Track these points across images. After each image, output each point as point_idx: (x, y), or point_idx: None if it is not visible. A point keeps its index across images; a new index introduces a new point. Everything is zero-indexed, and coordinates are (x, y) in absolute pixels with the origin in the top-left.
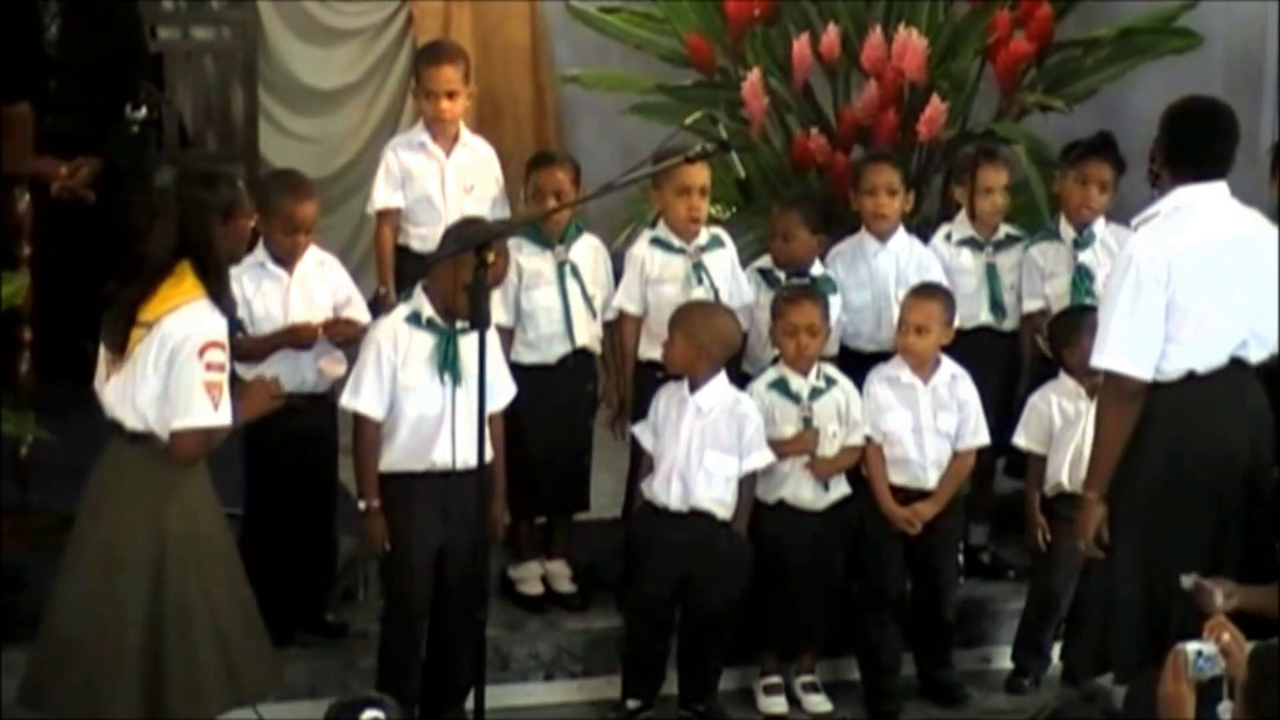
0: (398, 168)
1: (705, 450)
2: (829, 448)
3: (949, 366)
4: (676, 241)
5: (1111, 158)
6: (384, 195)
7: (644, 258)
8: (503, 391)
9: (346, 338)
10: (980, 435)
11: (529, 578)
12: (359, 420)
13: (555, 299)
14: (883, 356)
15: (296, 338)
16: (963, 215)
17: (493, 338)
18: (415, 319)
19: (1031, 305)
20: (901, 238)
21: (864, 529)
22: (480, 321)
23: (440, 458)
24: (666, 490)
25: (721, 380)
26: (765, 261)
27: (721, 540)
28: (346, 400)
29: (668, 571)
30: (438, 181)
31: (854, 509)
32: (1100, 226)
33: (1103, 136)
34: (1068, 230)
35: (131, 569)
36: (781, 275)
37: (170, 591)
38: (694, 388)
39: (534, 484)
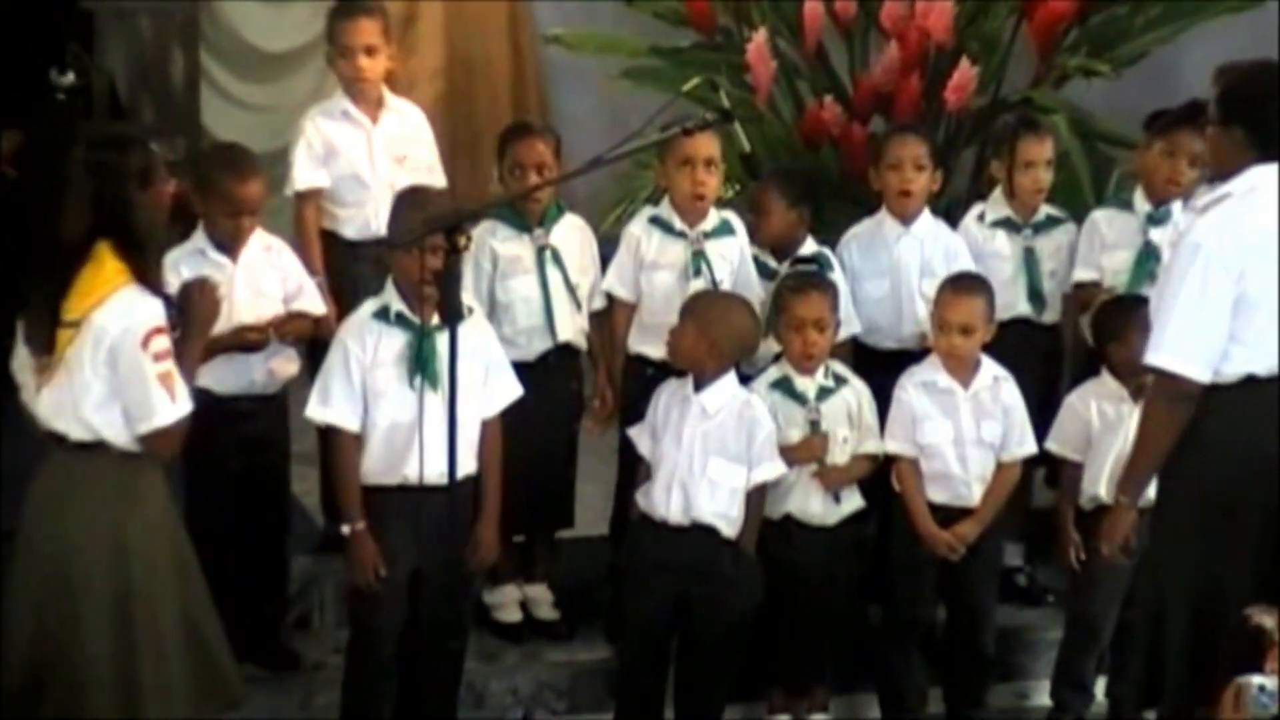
0: (319, 141)
1: (710, 457)
2: (839, 455)
3: (990, 368)
4: (678, 224)
5: (1203, 129)
6: (305, 173)
7: (640, 237)
8: (503, 390)
9: (299, 334)
10: (1027, 444)
11: (506, 603)
12: (332, 434)
13: (534, 289)
14: (904, 356)
15: (245, 341)
16: (998, 193)
17: (487, 328)
18: (384, 314)
19: (1084, 275)
20: (927, 220)
21: (885, 548)
22: (452, 315)
23: (415, 470)
24: (665, 501)
25: (730, 380)
26: (752, 247)
27: (726, 559)
28: (314, 412)
29: (664, 594)
30: (365, 154)
31: (869, 524)
32: (1177, 207)
33: (1194, 105)
34: (1142, 203)
35: (94, 591)
36: (772, 261)
37: (139, 610)
38: (699, 386)
39: (511, 498)
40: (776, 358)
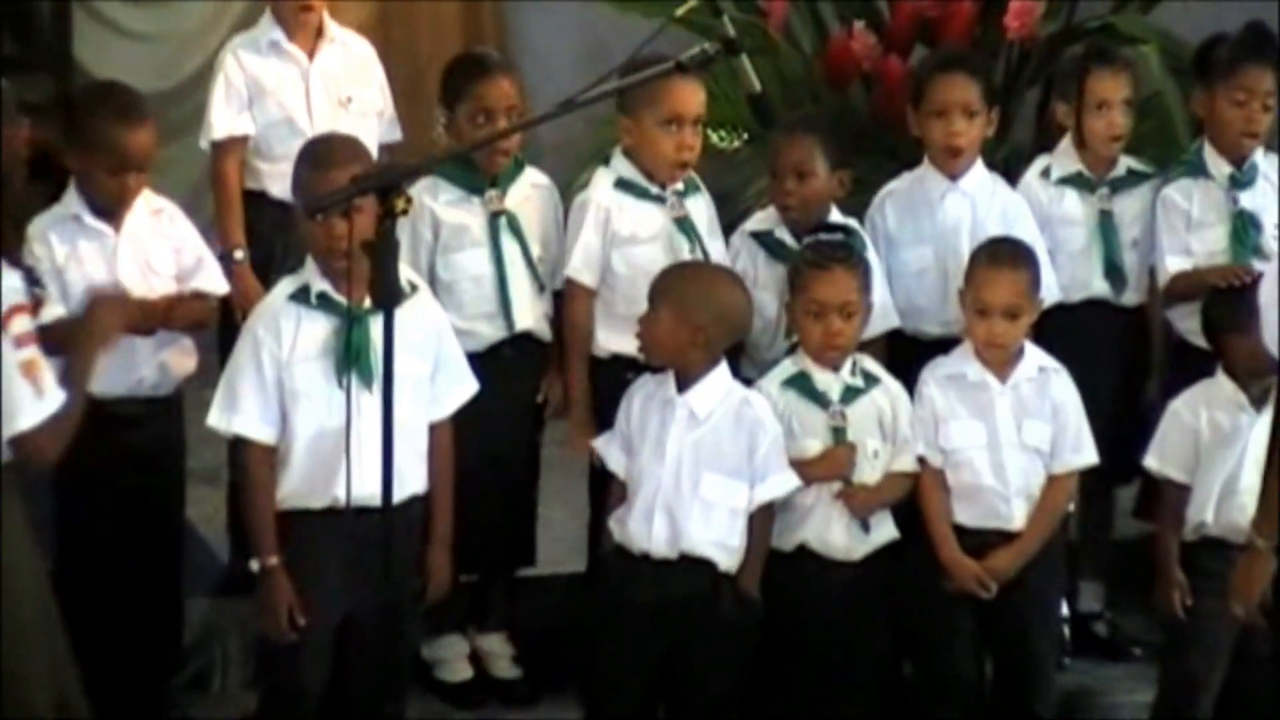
0: (241, 80)
1: (701, 472)
2: (869, 472)
3: (1036, 357)
4: (652, 185)
5: (1276, 59)
6: (225, 119)
7: (609, 207)
8: (456, 388)
9: (197, 320)
10: (1084, 452)
11: (452, 658)
12: (241, 447)
13: (486, 264)
14: (950, 345)
15: (133, 319)
16: (1067, 143)
17: (436, 311)
18: (303, 296)
19: (1174, 265)
20: (979, 175)
21: (921, 587)
22: (386, 296)
23: (346, 490)
24: (646, 529)
25: (722, 374)
26: (761, 221)
27: (725, 600)
28: (218, 420)
29: (648, 645)
30: (300, 95)
31: (905, 559)
32: (1260, 158)
33: (1258, 31)
34: (1219, 164)
35: None
36: (787, 237)
37: None
38: (684, 385)
39: (459, 527)
40: (790, 350)
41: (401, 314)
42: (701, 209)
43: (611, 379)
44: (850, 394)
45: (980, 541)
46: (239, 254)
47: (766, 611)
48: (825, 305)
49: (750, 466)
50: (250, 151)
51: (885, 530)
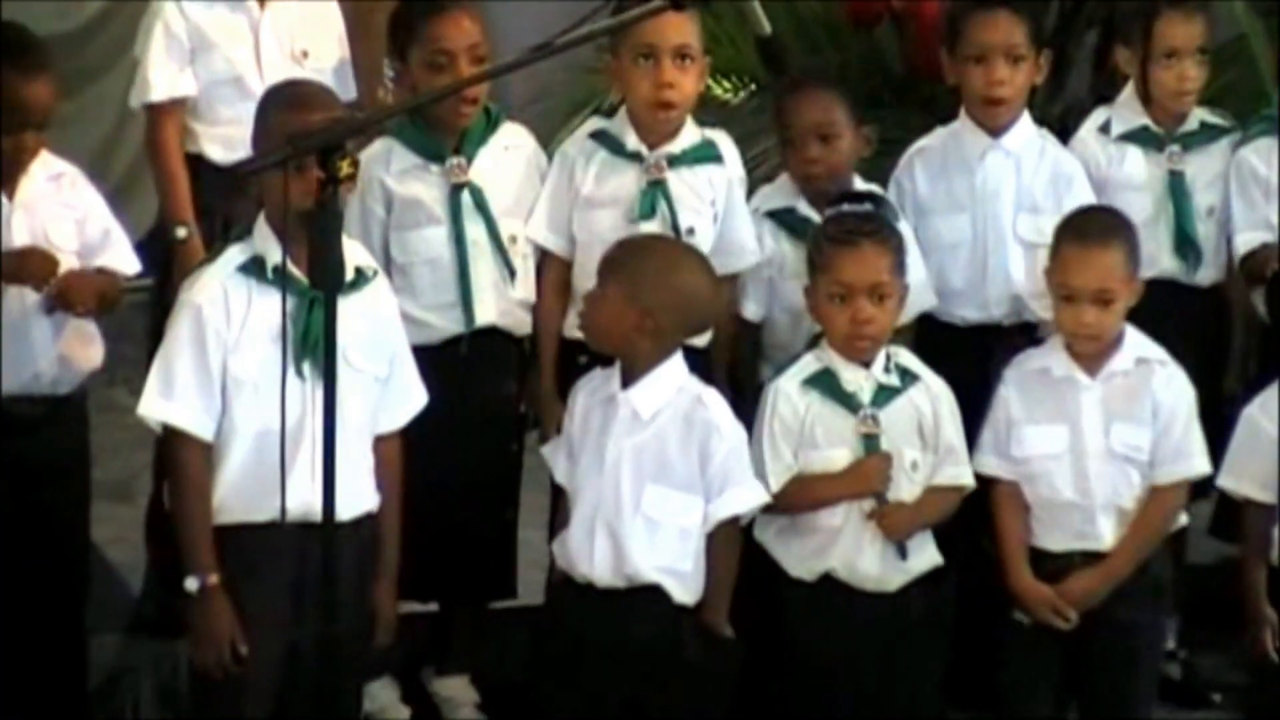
0: (184, 30)
1: (645, 484)
2: (906, 486)
3: (1136, 345)
4: (631, 142)
5: None
6: (165, 77)
7: (576, 159)
8: (409, 397)
9: (104, 301)
10: (1193, 459)
11: (387, 706)
12: (174, 441)
13: (444, 246)
14: (990, 333)
15: (25, 269)
16: (1130, 93)
17: (392, 303)
18: (255, 269)
19: (1250, 238)
20: (1025, 131)
21: (979, 621)
22: (327, 277)
23: (300, 501)
24: (587, 552)
25: (674, 369)
26: (775, 197)
27: (687, 638)
28: (152, 407)
29: (604, 692)
30: (249, 49)
31: (948, 589)
32: None
33: None
34: None
35: None
36: (812, 212)
37: None
38: (629, 380)
39: (419, 553)
40: (812, 342)
41: (357, 302)
42: (715, 181)
43: (568, 366)
44: (884, 395)
45: (1064, 566)
46: (181, 231)
47: (785, 653)
48: (853, 287)
49: (705, 477)
50: (191, 113)
51: (926, 555)
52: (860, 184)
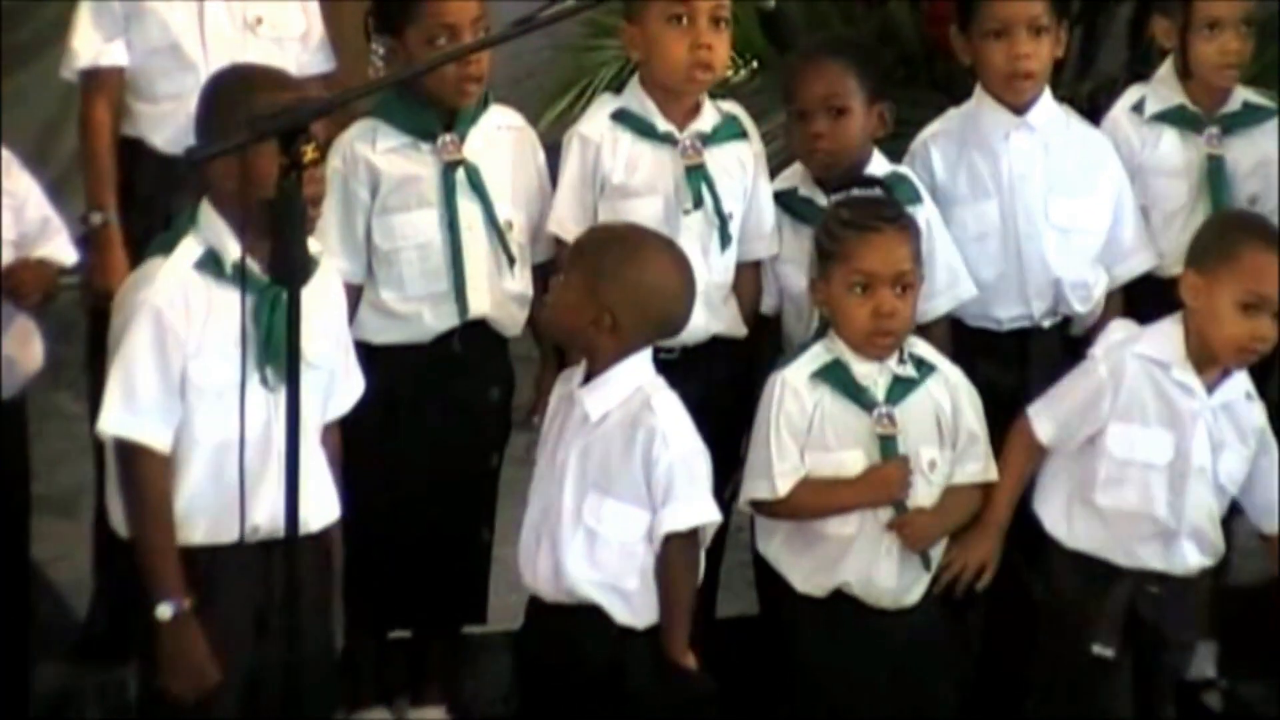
0: None
1: (587, 491)
2: (925, 489)
3: (1244, 378)
4: (661, 122)
5: None
6: (92, 43)
7: (599, 144)
8: (350, 383)
9: (41, 295)
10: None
11: None
12: (136, 457)
13: (436, 231)
14: (1026, 337)
15: None
16: (1168, 70)
17: (338, 286)
18: (212, 265)
19: None
20: (1049, 107)
21: (1011, 642)
22: (289, 271)
23: (265, 516)
24: (530, 561)
25: (634, 370)
26: (781, 178)
27: (633, 664)
28: (114, 423)
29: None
30: (191, 14)
31: (978, 603)
32: None
33: None
34: None
35: None
36: (818, 195)
37: None
38: (586, 378)
39: (389, 574)
40: (819, 333)
41: (311, 293)
42: (741, 159)
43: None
44: (900, 389)
45: (1135, 584)
46: (97, 217)
47: (794, 676)
48: (875, 277)
49: (649, 489)
50: (128, 88)
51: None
52: (884, 165)
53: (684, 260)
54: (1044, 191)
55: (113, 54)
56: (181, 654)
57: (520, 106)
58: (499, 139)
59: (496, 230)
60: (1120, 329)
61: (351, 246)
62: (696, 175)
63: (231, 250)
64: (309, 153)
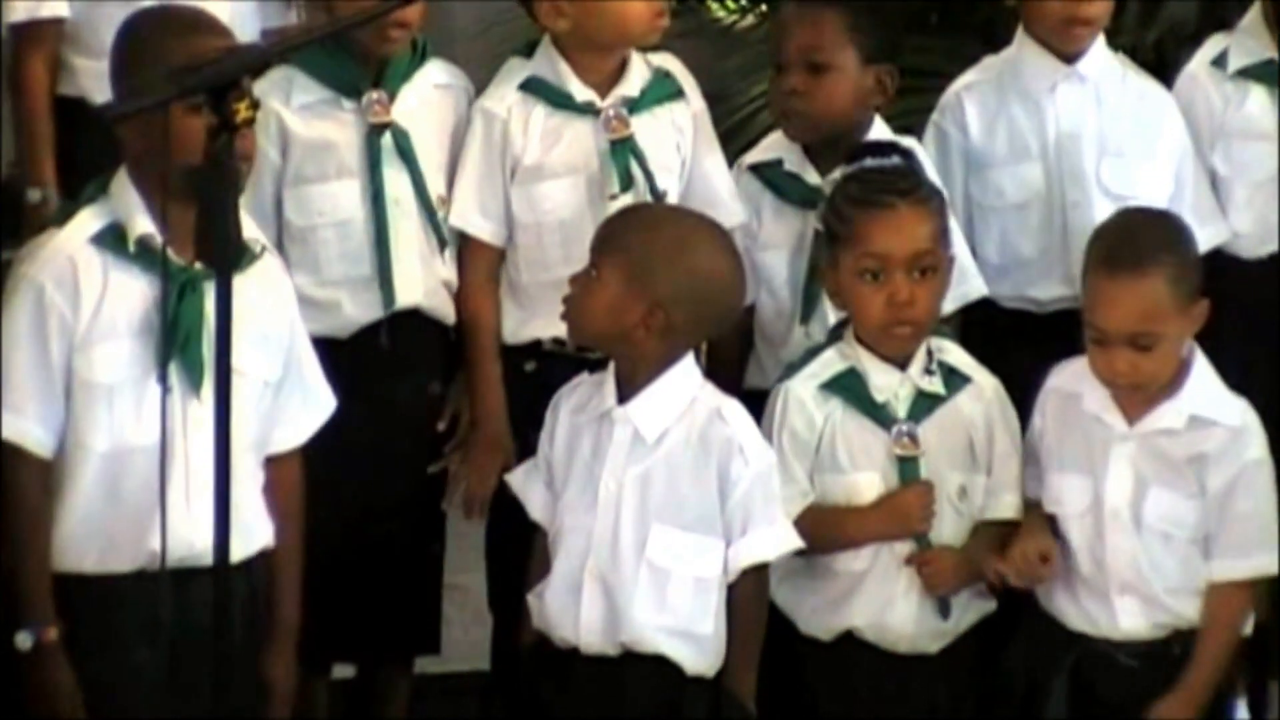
0: None
1: (650, 523)
2: (952, 521)
3: (1197, 394)
4: (576, 88)
5: None
6: None
7: (506, 119)
8: (311, 404)
9: None
10: (1260, 551)
11: None
12: (8, 460)
13: (358, 204)
14: (1071, 318)
15: None
16: (1254, 17)
17: (287, 287)
18: (114, 240)
19: None
20: (1102, 55)
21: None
22: (222, 252)
23: (169, 542)
24: (572, 610)
25: (684, 376)
26: (765, 149)
27: (701, 715)
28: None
29: None
30: None
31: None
32: None
33: None
34: None
35: None
36: (809, 171)
37: None
38: (628, 391)
39: (323, 602)
40: (833, 333)
41: (242, 287)
42: (677, 124)
43: (515, 375)
44: (924, 404)
45: (1086, 651)
46: (35, 194)
47: None
48: (889, 260)
49: (724, 514)
50: (69, 41)
51: (975, 604)
52: (883, 130)
53: (732, 242)
54: (1095, 152)
55: (52, 4)
56: (50, 686)
57: (476, 65)
58: (435, 100)
59: (427, 207)
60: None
61: (257, 219)
62: (623, 150)
63: (139, 225)
64: (242, 110)
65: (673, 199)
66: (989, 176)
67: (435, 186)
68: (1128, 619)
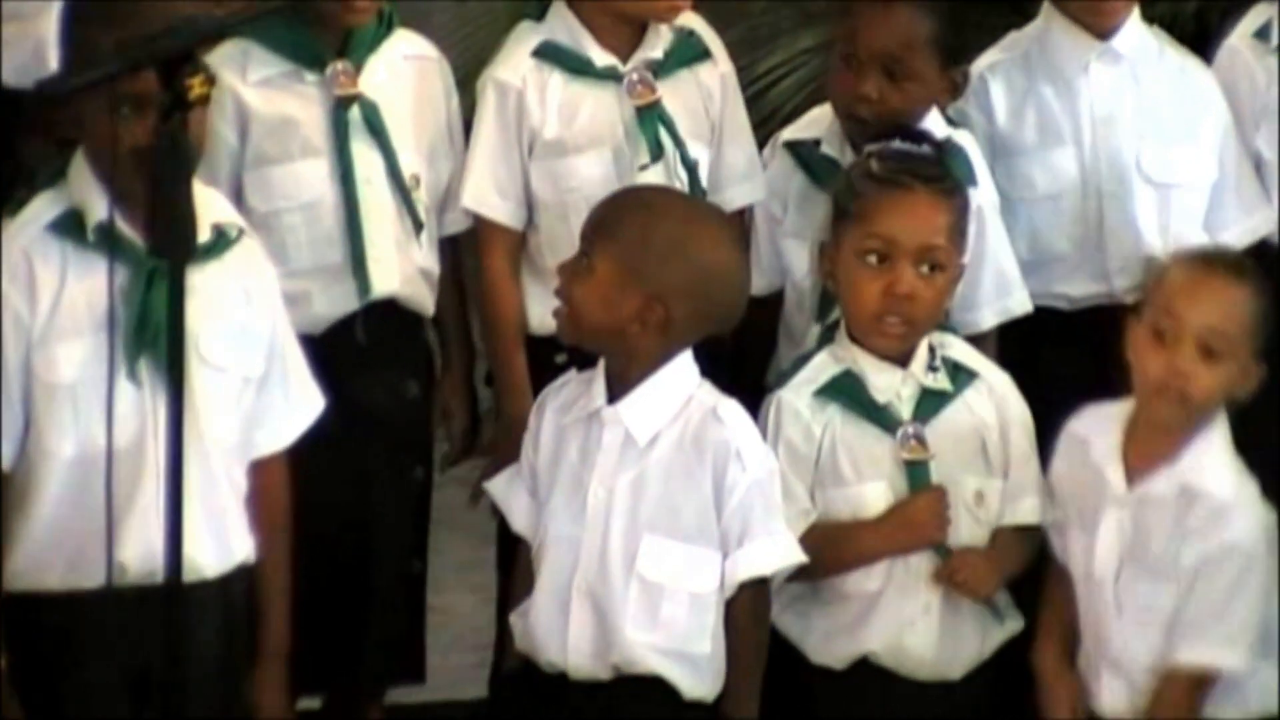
0: None
1: (642, 533)
2: (970, 527)
3: (1198, 457)
4: (598, 53)
5: None
6: None
7: (521, 89)
8: (298, 403)
9: None
10: (1221, 649)
11: None
12: None
13: (326, 186)
14: (1106, 316)
15: None
16: None
17: (270, 276)
18: (69, 228)
19: None
20: (1137, 29)
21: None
22: (172, 239)
23: (137, 554)
24: (559, 630)
25: (679, 374)
26: (804, 126)
27: None
28: None
29: None
30: None
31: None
32: None
33: None
34: None
35: None
36: (846, 154)
37: None
38: (619, 389)
39: (293, 626)
40: (824, 336)
41: (217, 274)
42: (704, 90)
43: (542, 367)
44: (931, 402)
45: None
46: None
47: None
48: (894, 245)
49: (720, 524)
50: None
51: (1009, 621)
52: (938, 122)
53: (735, 230)
54: (1133, 137)
55: None
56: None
57: (456, 39)
58: (405, 72)
59: (400, 186)
60: None
61: (239, 217)
62: (651, 117)
63: (98, 210)
64: (196, 86)
65: (703, 170)
66: (1017, 165)
67: (409, 165)
68: (1109, 695)
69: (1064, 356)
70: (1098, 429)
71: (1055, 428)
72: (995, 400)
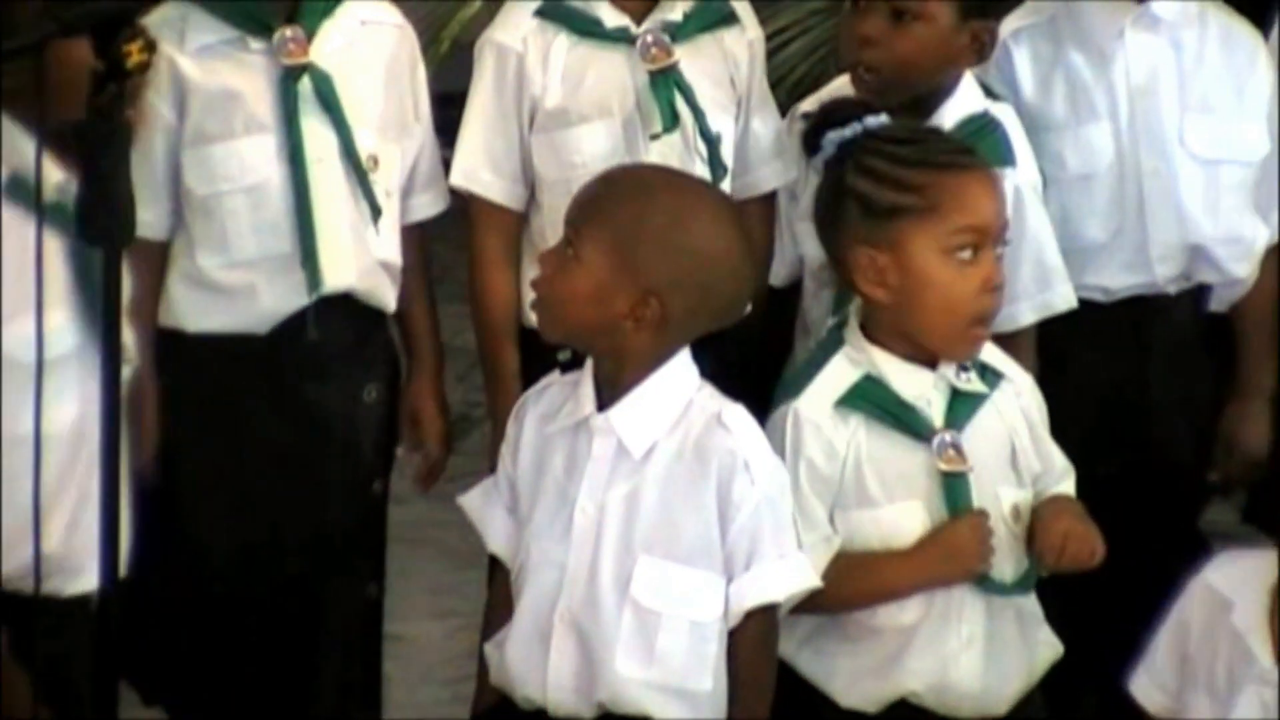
0: None
1: (636, 555)
2: (1008, 551)
3: None
4: (609, 12)
5: None
6: None
7: (523, 53)
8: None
9: None
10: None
11: None
12: None
13: (274, 164)
14: (1152, 306)
15: None
16: None
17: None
18: (21, 192)
19: None
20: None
21: None
22: (104, 223)
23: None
24: (538, 662)
25: (678, 376)
26: (825, 96)
27: None
28: None
29: None
30: None
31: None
32: None
33: None
34: None
35: None
36: (847, 126)
37: None
38: (609, 395)
39: (236, 656)
40: (830, 336)
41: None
42: (730, 59)
43: (536, 365)
44: (964, 406)
45: None
46: None
47: None
48: (986, 232)
49: (725, 545)
50: None
51: (1050, 642)
52: (975, 97)
53: (738, 216)
54: (1176, 110)
55: None
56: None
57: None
58: (363, 39)
59: (357, 167)
60: None
61: (149, 189)
62: (666, 82)
63: (53, 170)
64: (135, 53)
65: (727, 145)
66: (1046, 142)
67: (366, 144)
68: None
69: (1095, 353)
70: (1243, 591)
71: (1089, 435)
72: (1022, 403)
